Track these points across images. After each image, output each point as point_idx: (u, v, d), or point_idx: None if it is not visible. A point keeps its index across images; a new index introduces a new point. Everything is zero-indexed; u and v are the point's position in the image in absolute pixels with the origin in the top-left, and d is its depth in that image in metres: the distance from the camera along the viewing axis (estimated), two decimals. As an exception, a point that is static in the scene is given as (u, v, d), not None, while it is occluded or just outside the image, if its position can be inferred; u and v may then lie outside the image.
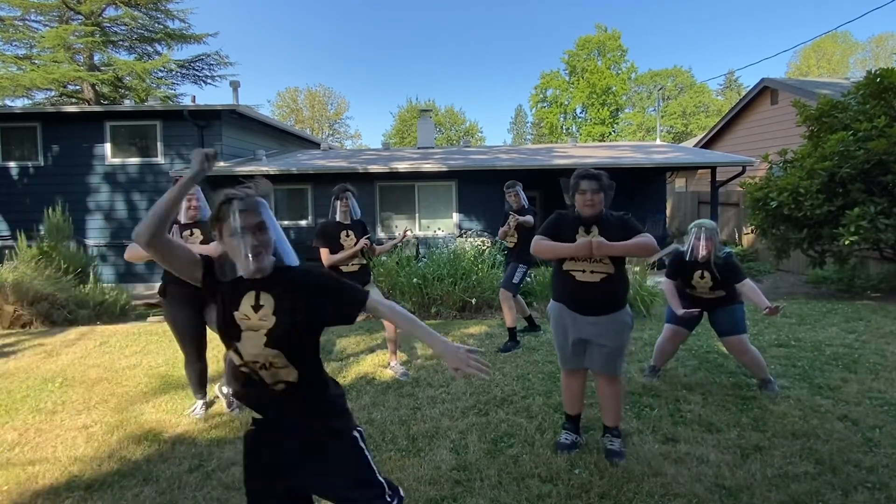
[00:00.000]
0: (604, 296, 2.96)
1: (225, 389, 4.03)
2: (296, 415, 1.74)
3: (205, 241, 3.76)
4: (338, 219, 4.45)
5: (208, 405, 3.96)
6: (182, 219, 3.80)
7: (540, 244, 3.02)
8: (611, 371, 3.04)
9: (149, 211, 1.61)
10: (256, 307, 1.66)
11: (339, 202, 4.43)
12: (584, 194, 2.93)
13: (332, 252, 4.39)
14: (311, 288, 1.69)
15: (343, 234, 4.40)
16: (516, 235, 5.38)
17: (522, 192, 5.52)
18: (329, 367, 4.88)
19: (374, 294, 1.77)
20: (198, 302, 3.74)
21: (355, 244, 4.39)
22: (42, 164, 11.44)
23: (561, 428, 3.29)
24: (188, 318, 3.73)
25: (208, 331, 3.91)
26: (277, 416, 1.75)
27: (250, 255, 1.60)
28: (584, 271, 2.96)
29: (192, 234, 3.79)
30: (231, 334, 1.67)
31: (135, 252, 3.52)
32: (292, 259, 1.73)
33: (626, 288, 3.10)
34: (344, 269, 4.41)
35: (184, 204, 3.73)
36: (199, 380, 3.89)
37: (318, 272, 1.77)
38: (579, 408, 3.25)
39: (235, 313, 1.67)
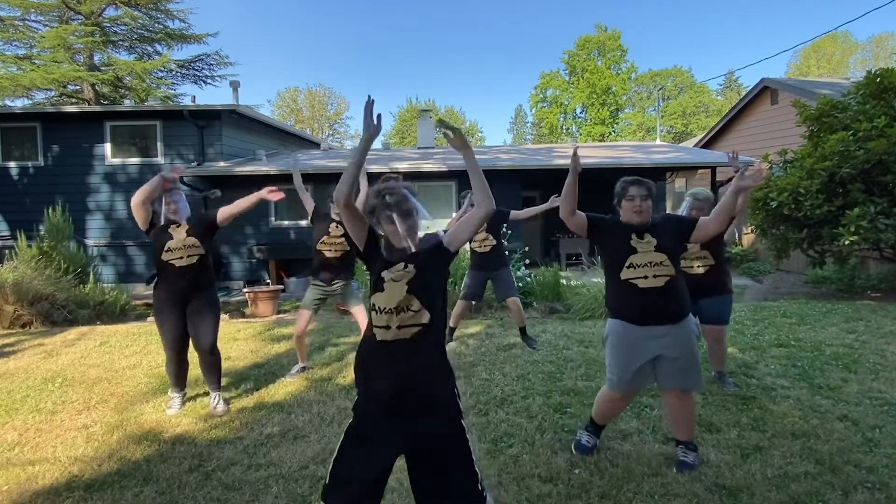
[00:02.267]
0: (671, 301, 2.79)
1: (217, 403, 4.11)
2: (421, 373, 2.00)
3: (190, 233, 3.84)
4: (331, 214, 4.72)
5: (184, 401, 4.06)
6: (163, 220, 3.87)
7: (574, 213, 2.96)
8: (690, 385, 2.83)
9: (342, 177, 1.98)
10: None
11: (333, 205, 4.59)
12: (633, 201, 2.80)
13: (317, 234, 4.74)
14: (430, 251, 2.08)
15: (333, 225, 4.68)
16: (494, 239, 5.32)
17: None
18: (329, 368, 4.88)
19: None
20: (182, 303, 3.85)
21: (342, 235, 4.65)
22: (42, 164, 11.43)
23: (582, 430, 3.19)
24: (173, 318, 3.84)
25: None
26: (403, 371, 1.98)
27: (407, 238, 2.00)
28: (645, 277, 2.77)
29: (178, 225, 3.85)
30: (377, 287, 2.02)
31: (140, 198, 3.73)
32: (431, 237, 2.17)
33: (688, 291, 2.91)
34: (328, 254, 4.68)
35: (163, 208, 3.84)
36: (177, 378, 3.99)
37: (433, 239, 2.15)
38: (609, 421, 3.17)
39: (385, 272, 2.01)
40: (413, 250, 2.02)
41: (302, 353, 4.77)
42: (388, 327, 1.97)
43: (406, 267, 2.01)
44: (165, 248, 3.76)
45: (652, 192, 2.83)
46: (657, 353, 2.80)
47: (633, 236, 2.82)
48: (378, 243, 2.10)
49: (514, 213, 5.28)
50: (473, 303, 5.73)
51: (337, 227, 4.67)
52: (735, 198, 2.70)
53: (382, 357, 2.00)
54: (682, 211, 3.91)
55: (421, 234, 2.16)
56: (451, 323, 5.54)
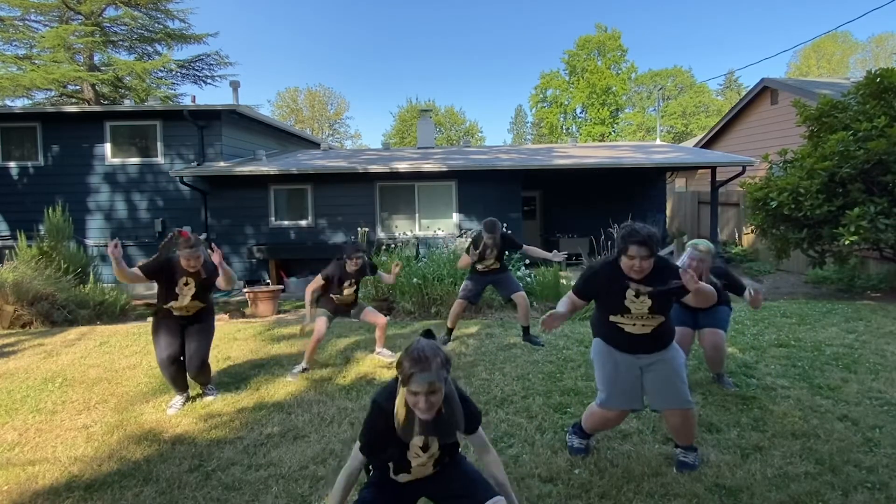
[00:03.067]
0: (655, 340, 2.80)
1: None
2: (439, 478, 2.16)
3: (197, 291, 3.96)
4: (348, 270, 4.85)
5: (187, 399, 4.12)
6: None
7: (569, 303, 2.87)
8: (683, 404, 2.79)
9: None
10: (425, 448, 2.04)
11: (350, 261, 4.82)
12: (633, 260, 2.63)
13: (328, 289, 4.90)
14: (458, 423, 2.04)
15: (347, 283, 4.91)
16: (498, 263, 5.44)
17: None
18: (329, 368, 4.88)
19: (482, 433, 2.19)
20: (181, 330, 4.04)
21: (354, 290, 4.98)
22: (42, 164, 11.43)
23: (570, 434, 3.19)
24: (169, 338, 3.99)
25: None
26: (427, 479, 2.14)
27: (426, 413, 1.92)
28: (633, 325, 2.76)
29: (186, 283, 3.95)
30: (402, 468, 2.07)
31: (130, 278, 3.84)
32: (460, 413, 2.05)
33: (674, 327, 2.92)
34: (339, 303, 4.94)
35: (183, 262, 3.89)
36: (175, 384, 4.07)
37: (466, 409, 2.08)
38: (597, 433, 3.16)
39: (407, 453, 2.03)
40: (427, 419, 1.96)
41: (310, 355, 4.82)
42: (412, 481, 2.12)
43: (427, 448, 2.04)
44: (168, 304, 3.96)
45: (654, 249, 2.64)
46: (640, 371, 2.85)
47: (629, 294, 2.73)
48: (387, 432, 2.02)
49: (525, 248, 5.48)
50: (471, 304, 5.74)
51: (351, 285, 4.92)
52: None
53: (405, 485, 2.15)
54: (683, 260, 3.75)
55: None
56: (448, 323, 5.54)
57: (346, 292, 4.91)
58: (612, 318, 2.80)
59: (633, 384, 2.85)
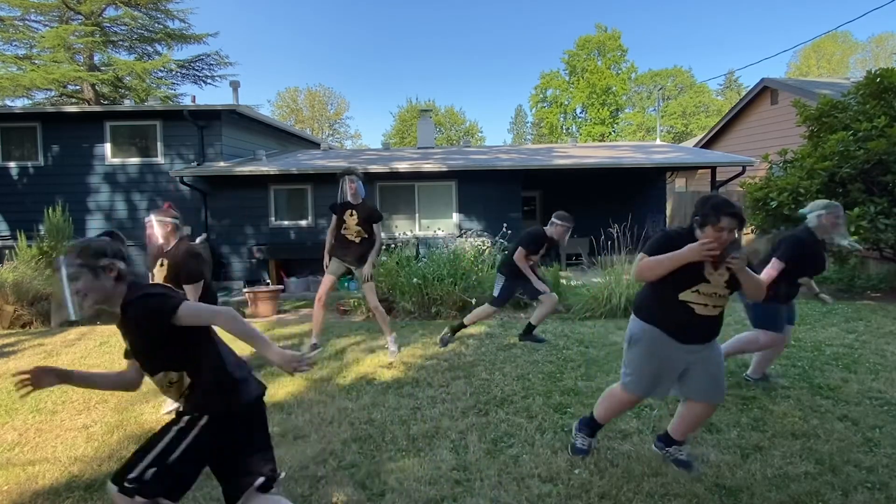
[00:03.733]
0: (715, 327, 2.75)
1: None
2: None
3: (170, 274, 3.87)
4: (348, 198, 5.14)
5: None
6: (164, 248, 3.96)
7: (647, 264, 2.65)
8: (718, 399, 2.81)
9: None
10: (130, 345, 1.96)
11: (345, 183, 5.15)
12: (722, 232, 2.52)
13: (337, 224, 5.20)
14: (136, 321, 1.94)
15: (348, 212, 5.14)
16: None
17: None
18: (329, 368, 4.88)
19: (187, 304, 1.88)
20: None
21: (357, 223, 5.10)
22: (42, 164, 11.43)
23: (577, 430, 3.14)
24: None
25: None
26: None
27: (74, 306, 1.84)
28: (706, 305, 2.65)
29: (161, 264, 3.95)
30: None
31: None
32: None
33: None
34: (345, 235, 5.15)
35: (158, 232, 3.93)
36: None
37: (140, 305, 1.92)
38: (609, 421, 3.14)
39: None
40: (78, 316, 1.90)
41: (317, 324, 5.01)
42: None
43: (125, 338, 1.93)
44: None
45: (744, 223, 2.57)
46: (686, 366, 2.76)
47: (708, 266, 2.61)
48: None
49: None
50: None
51: (352, 215, 5.07)
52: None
53: None
54: (819, 217, 3.74)
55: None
56: (465, 320, 5.45)
57: (350, 223, 5.05)
58: (682, 296, 2.65)
59: (670, 378, 2.80)
